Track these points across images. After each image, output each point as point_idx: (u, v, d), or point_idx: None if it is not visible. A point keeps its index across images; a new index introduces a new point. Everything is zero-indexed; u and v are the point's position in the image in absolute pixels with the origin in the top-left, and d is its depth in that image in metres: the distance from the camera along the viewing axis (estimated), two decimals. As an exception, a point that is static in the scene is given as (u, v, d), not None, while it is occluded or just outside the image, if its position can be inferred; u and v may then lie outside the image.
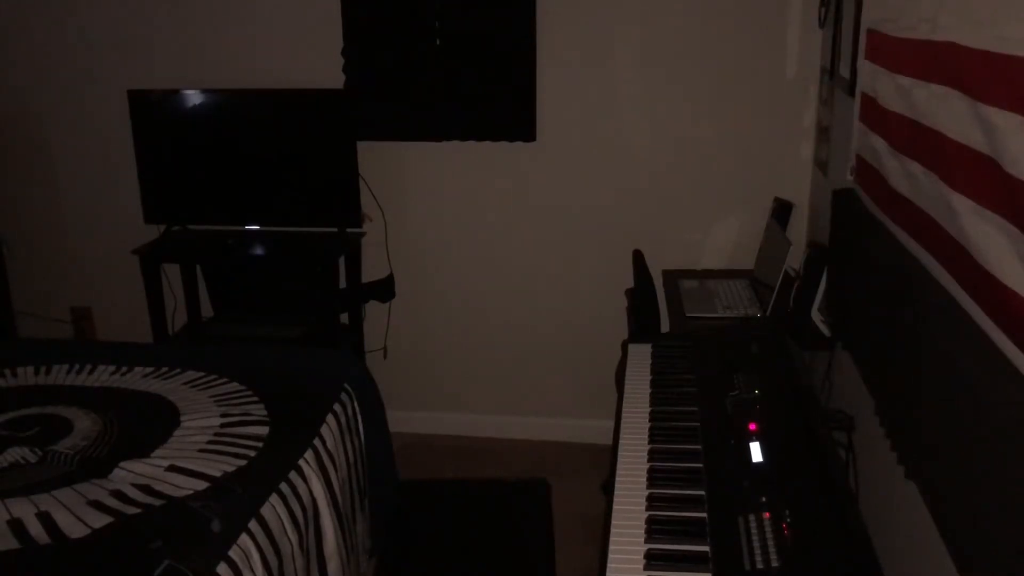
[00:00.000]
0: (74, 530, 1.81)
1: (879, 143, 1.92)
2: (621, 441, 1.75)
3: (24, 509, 1.88)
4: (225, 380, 2.53)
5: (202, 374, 2.56)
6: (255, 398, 2.41)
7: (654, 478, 1.61)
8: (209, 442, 2.17)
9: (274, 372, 2.58)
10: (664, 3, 3.12)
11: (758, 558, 1.33)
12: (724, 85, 3.17)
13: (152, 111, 3.34)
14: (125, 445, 2.16)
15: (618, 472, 1.64)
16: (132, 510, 1.87)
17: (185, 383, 2.51)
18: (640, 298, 2.79)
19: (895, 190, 1.79)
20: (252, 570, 1.78)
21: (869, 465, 2.08)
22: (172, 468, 2.05)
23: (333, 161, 3.29)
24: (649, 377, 2.03)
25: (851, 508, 1.47)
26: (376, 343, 3.63)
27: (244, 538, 1.81)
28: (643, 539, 1.43)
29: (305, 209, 3.38)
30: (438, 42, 3.24)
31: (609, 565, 1.38)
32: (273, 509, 1.94)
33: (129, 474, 2.02)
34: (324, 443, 2.25)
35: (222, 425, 2.26)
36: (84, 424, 2.28)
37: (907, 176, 1.70)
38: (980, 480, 1.24)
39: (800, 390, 1.87)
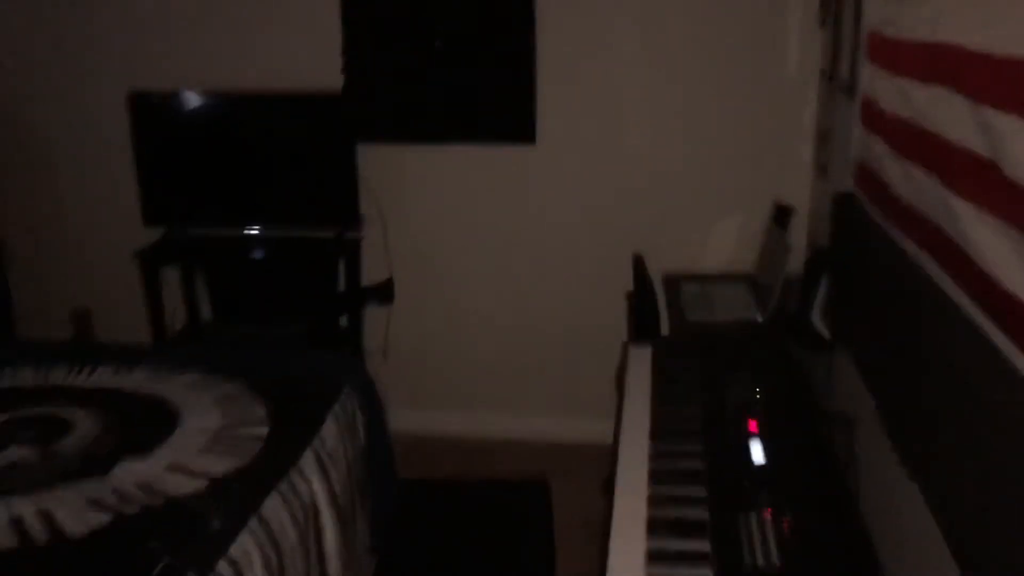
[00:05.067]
0: (74, 529, 1.81)
1: (880, 146, 1.92)
2: (622, 441, 1.76)
3: (24, 508, 1.88)
4: (225, 381, 2.52)
5: (202, 375, 2.56)
6: (255, 399, 2.41)
7: (655, 478, 1.61)
8: (209, 442, 2.17)
9: (274, 373, 2.57)
10: (664, 4, 3.13)
11: (759, 557, 1.33)
12: (724, 86, 3.17)
13: (152, 113, 3.34)
14: (125, 446, 2.16)
15: (619, 472, 1.64)
16: (132, 509, 1.88)
17: (185, 384, 2.51)
18: (640, 302, 2.79)
19: (896, 193, 1.80)
20: (252, 569, 1.78)
21: (869, 465, 2.08)
22: (172, 468, 2.05)
23: (333, 163, 3.29)
24: (650, 377, 2.03)
25: (851, 508, 1.47)
26: (376, 344, 3.63)
27: (244, 537, 1.81)
28: (644, 538, 1.43)
29: (305, 212, 3.38)
30: (438, 43, 3.24)
31: (610, 564, 1.38)
32: (273, 509, 1.95)
33: (129, 474, 2.02)
34: (324, 443, 2.25)
35: (222, 426, 2.26)
36: (84, 425, 2.28)
37: (908, 179, 1.70)
38: (981, 480, 1.24)
39: (800, 390, 1.87)
